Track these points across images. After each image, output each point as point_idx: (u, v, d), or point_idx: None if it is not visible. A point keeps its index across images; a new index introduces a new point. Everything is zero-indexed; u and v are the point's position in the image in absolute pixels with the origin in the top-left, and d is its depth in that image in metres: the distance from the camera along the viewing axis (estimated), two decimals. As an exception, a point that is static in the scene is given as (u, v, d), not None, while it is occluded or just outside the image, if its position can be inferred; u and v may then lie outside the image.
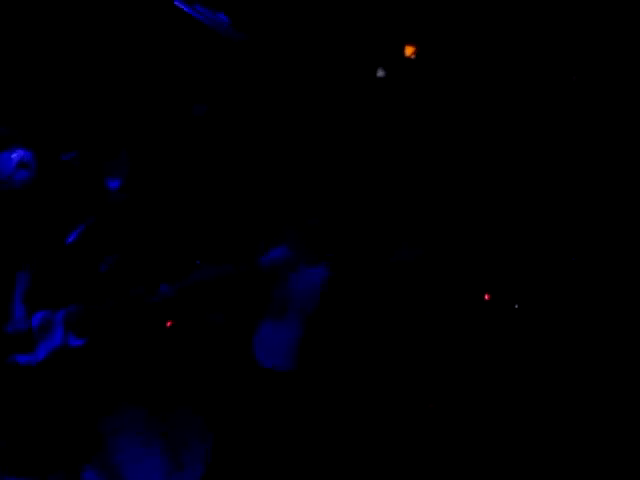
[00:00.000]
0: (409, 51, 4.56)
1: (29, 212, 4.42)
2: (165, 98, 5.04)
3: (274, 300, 4.35)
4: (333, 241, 4.45)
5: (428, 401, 3.92)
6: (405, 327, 4.14)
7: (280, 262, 4.32)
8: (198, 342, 4.40)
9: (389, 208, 4.60)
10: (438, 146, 4.50)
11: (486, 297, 3.94)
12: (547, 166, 4.15)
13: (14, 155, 4.42)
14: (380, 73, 4.75)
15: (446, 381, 3.97)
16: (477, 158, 4.36)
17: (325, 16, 4.92)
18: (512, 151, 4.24)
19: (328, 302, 4.27)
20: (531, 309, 3.83)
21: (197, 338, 4.39)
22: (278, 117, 4.89)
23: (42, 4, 4.83)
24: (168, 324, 4.36)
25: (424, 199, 4.47)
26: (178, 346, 4.38)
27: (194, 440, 4.29)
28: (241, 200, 4.73)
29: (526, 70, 4.26)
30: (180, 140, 4.93)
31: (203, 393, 4.37)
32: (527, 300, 3.82)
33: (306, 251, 4.33)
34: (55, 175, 4.55)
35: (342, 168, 4.72)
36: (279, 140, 4.87)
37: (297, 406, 4.30)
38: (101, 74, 4.99)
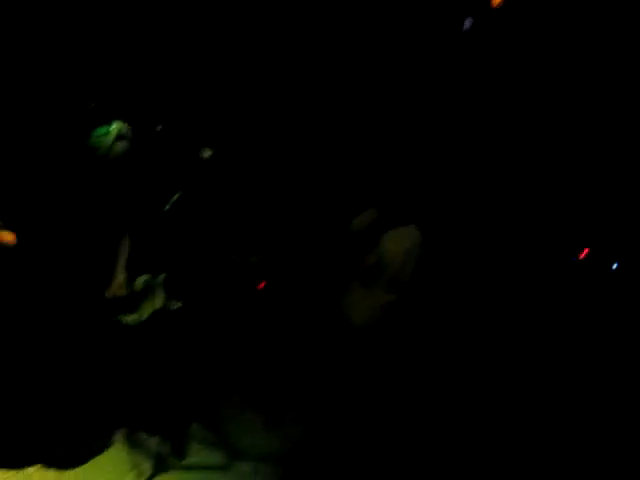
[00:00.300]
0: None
1: (128, 182, 4.70)
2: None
3: (365, 262, 4.55)
4: (418, 204, 4.63)
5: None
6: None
7: (369, 224, 4.51)
8: (288, 305, 4.64)
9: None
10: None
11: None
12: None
13: (112, 128, 4.68)
14: (467, 24, 4.72)
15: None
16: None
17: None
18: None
19: (418, 264, 4.43)
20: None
21: (288, 300, 4.62)
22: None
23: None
24: (261, 285, 4.61)
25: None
26: (269, 308, 4.64)
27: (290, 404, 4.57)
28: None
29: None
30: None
31: (296, 356, 4.60)
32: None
33: (394, 213, 4.52)
34: (151, 145, 4.81)
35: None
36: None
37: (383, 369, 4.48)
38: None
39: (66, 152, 4.77)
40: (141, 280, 4.56)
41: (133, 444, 4.38)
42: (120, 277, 4.55)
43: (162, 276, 4.58)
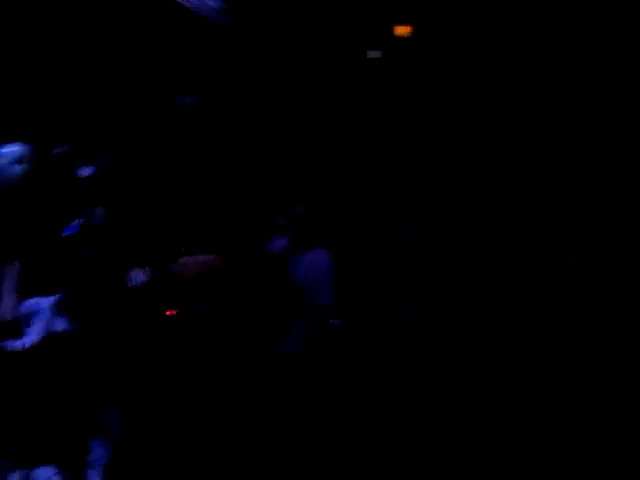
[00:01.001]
0: (402, 30, 4.62)
1: (23, 205, 4.50)
2: (152, 90, 5.17)
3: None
4: (328, 226, 4.61)
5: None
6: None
7: (282, 250, 4.46)
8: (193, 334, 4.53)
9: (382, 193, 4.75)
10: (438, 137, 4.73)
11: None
12: (548, 165, 4.37)
13: (10, 150, 4.50)
14: (372, 54, 4.81)
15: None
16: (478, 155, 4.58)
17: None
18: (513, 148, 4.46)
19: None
20: (532, 307, 3.96)
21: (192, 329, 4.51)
22: (269, 108, 5.01)
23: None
24: (168, 313, 4.47)
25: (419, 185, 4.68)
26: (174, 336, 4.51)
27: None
28: (235, 190, 4.86)
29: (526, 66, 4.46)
30: (167, 134, 5.06)
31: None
32: (528, 298, 3.97)
33: (303, 238, 4.49)
34: (49, 169, 4.63)
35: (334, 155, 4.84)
36: (271, 132, 5.00)
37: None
38: (89, 67, 5.09)
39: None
40: (29, 303, 4.32)
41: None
42: (7, 301, 4.31)
43: (54, 298, 4.34)
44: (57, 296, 4.35)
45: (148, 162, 4.87)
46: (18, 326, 4.29)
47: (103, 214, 4.52)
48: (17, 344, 4.27)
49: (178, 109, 4.97)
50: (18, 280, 4.36)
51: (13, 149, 4.53)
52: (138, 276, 4.30)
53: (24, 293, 4.34)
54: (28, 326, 4.30)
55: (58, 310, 4.34)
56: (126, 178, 4.70)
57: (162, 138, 5.04)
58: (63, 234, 4.52)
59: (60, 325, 4.32)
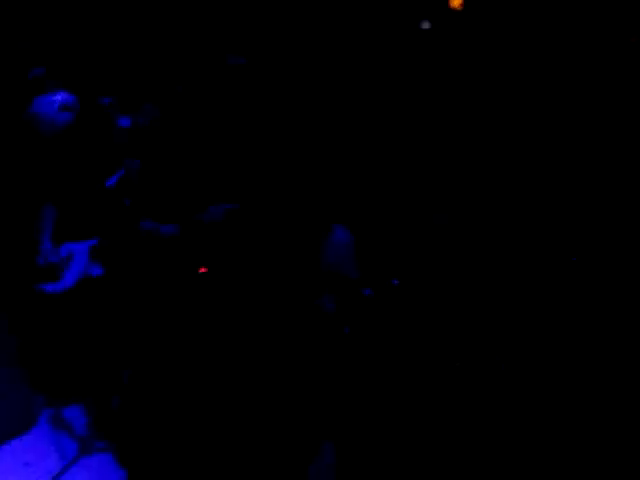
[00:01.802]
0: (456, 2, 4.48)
1: (67, 152, 4.53)
2: (201, 46, 5.14)
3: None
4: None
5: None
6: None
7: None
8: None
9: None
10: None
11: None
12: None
13: (57, 97, 4.51)
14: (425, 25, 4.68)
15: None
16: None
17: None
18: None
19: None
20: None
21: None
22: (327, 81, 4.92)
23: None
24: (201, 270, 4.48)
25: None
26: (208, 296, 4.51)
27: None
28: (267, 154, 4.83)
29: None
30: (213, 93, 5.02)
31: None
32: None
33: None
34: (94, 118, 4.66)
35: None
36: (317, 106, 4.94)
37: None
38: (134, 21, 5.09)
39: (4, 117, 4.62)
40: (66, 247, 4.38)
41: (58, 425, 4.23)
42: (45, 244, 4.38)
43: (89, 243, 4.42)
44: (92, 241, 4.41)
45: (188, 118, 4.85)
46: (56, 269, 4.36)
47: (138, 166, 4.53)
48: (56, 287, 4.34)
49: (228, 68, 4.88)
50: (55, 225, 4.43)
51: (59, 97, 4.55)
52: (169, 228, 4.36)
53: (62, 238, 4.40)
54: (65, 269, 4.37)
55: (93, 255, 4.40)
56: (163, 132, 4.69)
57: (207, 96, 4.97)
58: (107, 184, 4.55)
59: (94, 270, 4.40)
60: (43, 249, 4.38)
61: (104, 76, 4.85)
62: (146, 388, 4.28)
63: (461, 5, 4.38)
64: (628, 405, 3.53)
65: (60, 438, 4.17)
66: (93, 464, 4.03)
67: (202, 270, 4.49)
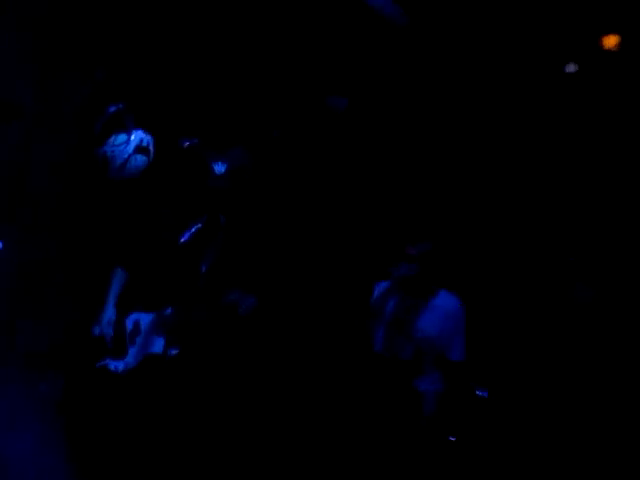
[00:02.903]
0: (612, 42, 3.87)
1: (140, 204, 3.98)
2: (298, 86, 4.49)
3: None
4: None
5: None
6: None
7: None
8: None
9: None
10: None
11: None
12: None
13: (133, 137, 3.95)
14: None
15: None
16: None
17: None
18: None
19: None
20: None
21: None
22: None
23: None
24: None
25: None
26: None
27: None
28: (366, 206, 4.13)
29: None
30: (311, 136, 4.38)
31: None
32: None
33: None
34: (173, 163, 4.05)
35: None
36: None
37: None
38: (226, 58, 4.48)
39: (74, 158, 4.08)
40: (132, 317, 3.77)
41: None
42: (108, 314, 3.77)
43: (159, 315, 3.77)
44: (162, 313, 3.77)
45: (284, 167, 4.19)
46: (118, 343, 3.74)
47: (224, 220, 3.88)
48: (119, 366, 3.72)
49: (328, 110, 4.20)
50: (122, 291, 3.83)
51: (135, 137, 3.97)
52: (250, 301, 3.68)
53: (129, 305, 3.80)
54: (128, 344, 3.75)
55: (161, 329, 3.76)
56: (253, 182, 4.03)
57: (303, 140, 4.31)
58: (181, 240, 3.91)
59: (160, 347, 3.74)
60: (105, 318, 3.77)
61: (187, 114, 4.19)
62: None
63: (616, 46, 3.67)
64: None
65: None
66: None
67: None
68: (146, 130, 3.98)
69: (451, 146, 4.29)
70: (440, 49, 4.27)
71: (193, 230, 3.91)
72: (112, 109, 4.03)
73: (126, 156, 3.91)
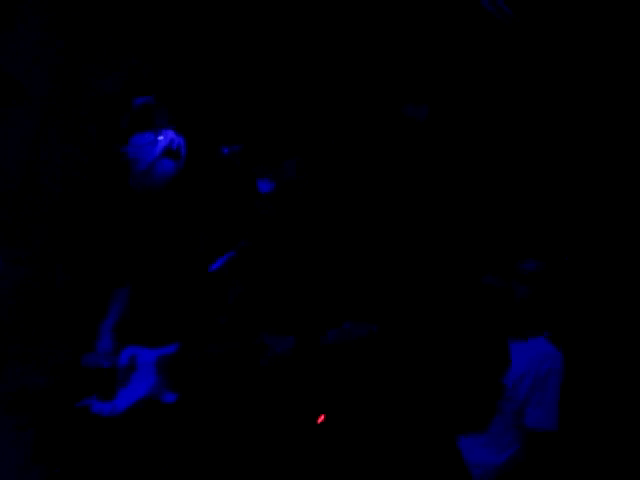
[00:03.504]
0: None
1: (163, 219, 3.24)
2: (366, 91, 3.75)
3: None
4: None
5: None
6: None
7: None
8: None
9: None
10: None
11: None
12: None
13: (161, 138, 3.23)
14: None
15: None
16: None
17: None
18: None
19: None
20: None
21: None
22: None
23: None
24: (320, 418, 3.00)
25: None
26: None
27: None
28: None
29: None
30: (382, 150, 3.62)
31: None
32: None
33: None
34: (208, 174, 3.30)
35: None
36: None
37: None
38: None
39: (90, 160, 3.38)
40: (130, 351, 3.10)
41: None
42: (104, 342, 3.14)
43: (162, 352, 3.09)
44: (168, 350, 3.07)
45: (344, 185, 3.40)
46: (112, 381, 3.06)
47: (259, 250, 3.11)
48: (104, 408, 3.03)
49: (404, 120, 3.44)
50: (124, 316, 3.16)
51: (164, 137, 3.24)
52: (282, 342, 2.96)
53: (127, 336, 3.13)
54: (120, 384, 3.06)
55: (164, 370, 3.05)
56: (305, 203, 3.25)
57: (375, 156, 3.60)
58: (210, 268, 3.16)
59: (162, 391, 3.05)
60: (99, 347, 3.13)
61: (231, 115, 3.44)
62: None
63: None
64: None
65: None
66: None
67: (321, 419, 2.99)
68: (178, 130, 3.27)
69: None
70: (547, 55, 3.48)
71: (226, 258, 3.15)
72: (140, 101, 3.31)
73: (151, 160, 3.21)
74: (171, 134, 3.26)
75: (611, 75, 3.63)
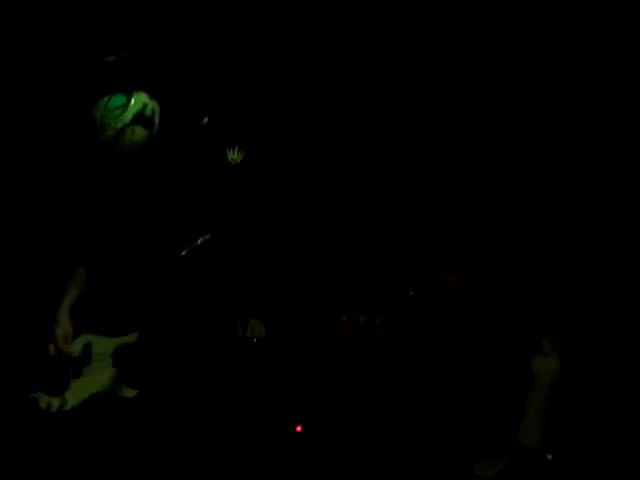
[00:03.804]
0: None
1: (129, 194, 2.90)
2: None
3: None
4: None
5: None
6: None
7: None
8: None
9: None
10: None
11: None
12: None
13: (133, 102, 2.87)
14: None
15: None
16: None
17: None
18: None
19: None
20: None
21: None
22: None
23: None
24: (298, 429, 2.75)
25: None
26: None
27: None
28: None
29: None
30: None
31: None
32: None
33: None
34: (184, 145, 2.94)
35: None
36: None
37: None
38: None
39: (54, 123, 3.01)
40: (82, 340, 2.82)
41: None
42: (65, 325, 2.79)
43: (120, 341, 2.82)
44: (125, 338, 2.81)
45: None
46: (62, 371, 2.78)
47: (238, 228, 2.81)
48: (51, 403, 2.76)
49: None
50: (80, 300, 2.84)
51: (136, 101, 2.87)
52: (257, 327, 2.76)
53: (84, 324, 2.82)
54: (75, 375, 2.79)
55: (122, 362, 2.80)
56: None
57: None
58: (180, 254, 2.84)
59: (119, 386, 2.80)
60: (58, 332, 2.78)
61: (211, 76, 3.08)
62: None
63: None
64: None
65: None
66: None
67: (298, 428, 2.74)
68: (152, 94, 2.90)
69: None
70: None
71: (199, 242, 2.82)
72: (110, 59, 2.93)
73: (120, 126, 2.85)
74: (144, 98, 2.89)
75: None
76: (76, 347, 2.80)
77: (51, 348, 2.76)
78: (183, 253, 2.82)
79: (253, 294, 2.87)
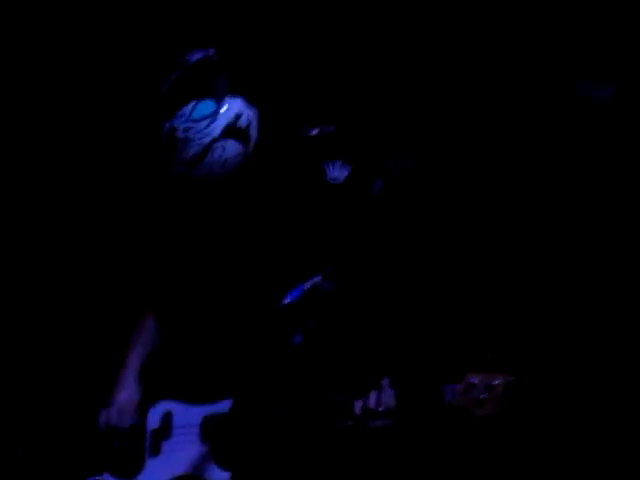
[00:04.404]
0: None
1: (219, 225, 2.49)
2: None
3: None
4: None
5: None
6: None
7: None
8: None
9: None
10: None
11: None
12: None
13: (224, 110, 2.43)
14: None
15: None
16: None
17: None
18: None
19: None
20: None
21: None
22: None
23: None
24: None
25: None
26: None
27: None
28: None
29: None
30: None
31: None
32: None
33: None
34: (289, 164, 2.46)
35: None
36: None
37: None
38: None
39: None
40: (160, 409, 2.46)
41: None
42: (130, 390, 2.44)
43: (208, 411, 2.38)
44: (217, 407, 2.35)
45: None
46: (133, 449, 2.42)
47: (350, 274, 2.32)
48: None
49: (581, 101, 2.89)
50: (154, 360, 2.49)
51: (229, 108, 2.42)
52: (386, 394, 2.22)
53: (160, 388, 2.45)
54: (151, 454, 2.41)
55: (211, 436, 2.34)
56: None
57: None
58: (283, 301, 2.31)
59: (207, 467, 2.35)
60: (118, 401, 2.46)
61: (322, 82, 2.61)
62: None
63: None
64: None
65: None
66: None
67: None
68: (249, 100, 2.44)
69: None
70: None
71: (307, 287, 2.26)
72: (195, 56, 2.47)
73: (208, 141, 2.41)
74: (239, 104, 2.43)
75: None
76: (153, 417, 2.43)
77: (102, 417, 2.39)
78: (287, 301, 2.29)
79: (380, 352, 2.47)
